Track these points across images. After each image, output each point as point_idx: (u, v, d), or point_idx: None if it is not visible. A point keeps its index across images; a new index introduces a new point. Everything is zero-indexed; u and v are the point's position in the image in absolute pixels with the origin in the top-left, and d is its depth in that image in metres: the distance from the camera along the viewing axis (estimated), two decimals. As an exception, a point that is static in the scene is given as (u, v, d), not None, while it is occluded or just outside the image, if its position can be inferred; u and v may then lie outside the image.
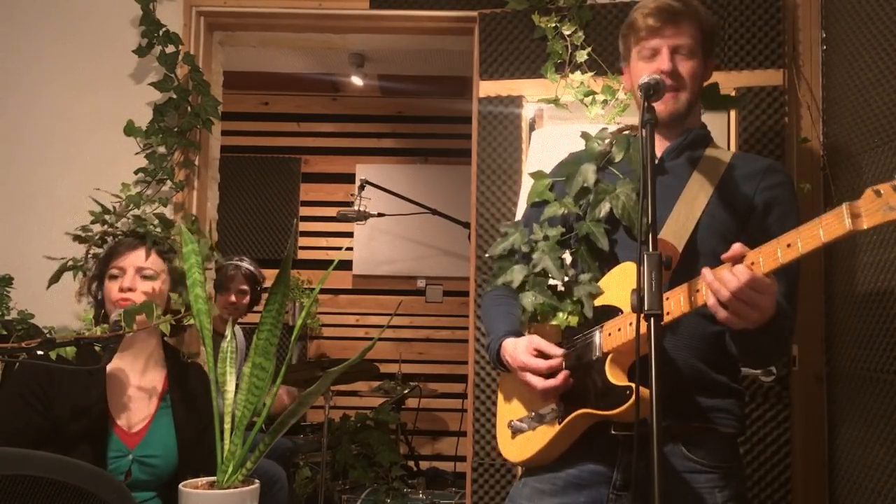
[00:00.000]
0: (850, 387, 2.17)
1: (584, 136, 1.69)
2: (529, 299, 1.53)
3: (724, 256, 1.26)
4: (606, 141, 1.64)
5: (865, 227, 1.11)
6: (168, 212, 2.56)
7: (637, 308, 1.21)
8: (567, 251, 1.58)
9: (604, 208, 1.54)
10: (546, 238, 1.57)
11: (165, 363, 1.96)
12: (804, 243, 1.17)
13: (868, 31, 2.09)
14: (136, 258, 1.91)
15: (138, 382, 1.89)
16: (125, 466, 1.78)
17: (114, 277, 1.89)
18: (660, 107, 1.51)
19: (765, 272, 1.22)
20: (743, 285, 1.22)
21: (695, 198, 1.51)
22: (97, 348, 1.60)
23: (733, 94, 2.34)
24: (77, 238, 2.26)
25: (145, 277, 1.90)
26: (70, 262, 2.28)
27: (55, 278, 2.24)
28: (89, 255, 2.26)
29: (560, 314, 1.50)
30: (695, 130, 1.60)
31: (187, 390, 1.95)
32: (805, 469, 2.29)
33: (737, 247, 1.25)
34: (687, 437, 1.46)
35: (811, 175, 2.38)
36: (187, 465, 1.86)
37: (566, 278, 1.53)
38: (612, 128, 1.70)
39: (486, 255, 1.63)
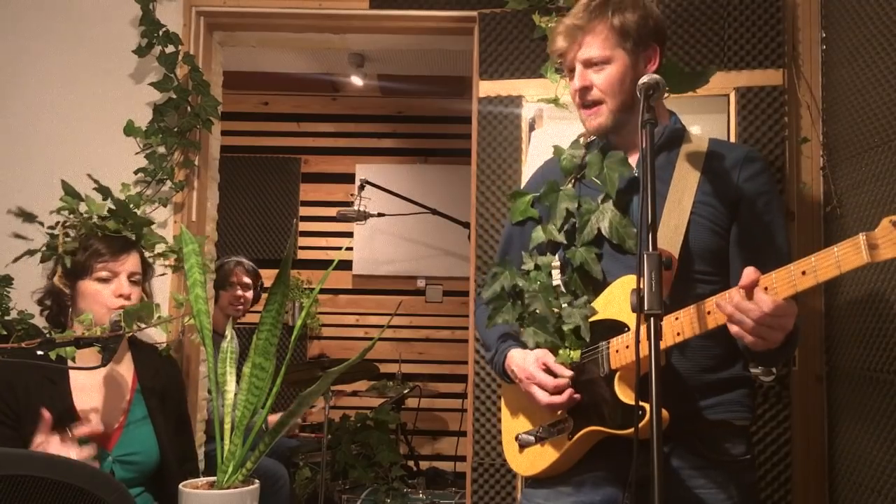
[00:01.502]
0: (849, 386, 2.17)
1: (556, 150, 1.68)
2: (531, 337, 1.53)
3: (740, 285, 1.27)
4: (580, 153, 1.64)
5: (883, 259, 1.11)
6: (168, 212, 2.57)
7: (637, 308, 1.22)
8: (557, 274, 1.58)
9: (592, 230, 1.53)
10: (538, 268, 1.57)
11: (132, 357, 1.95)
12: (821, 272, 1.18)
13: (868, 31, 2.09)
14: (131, 264, 1.90)
15: (108, 380, 1.86)
16: (106, 469, 1.76)
17: (104, 280, 1.86)
18: (585, 124, 1.57)
19: (781, 298, 1.23)
20: (767, 314, 1.23)
21: (680, 199, 1.50)
22: (97, 349, 1.60)
23: (732, 93, 2.34)
24: (53, 226, 2.10)
25: (133, 283, 1.90)
26: (45, 249, 2.11)
27: (16, 259, 2.14)
28: (64, 245, 2.13)
29: (562, 351, 1.49)
30: (667, 128, 1.58)
31: (158, 381, 1.94)
32: (805, 468, 2.29)
33: (750, 273, 1.26)
34: (701, 434, 1.47)
35: (811, 175, 2.38)
36: (169, 455, 1.85)
37: (562, 305, 1.53)
38: (582, 130, 1.68)
39: (482, 297, 1.62)
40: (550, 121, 2.48)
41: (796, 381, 2.30)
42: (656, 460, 1.12)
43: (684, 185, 1.51)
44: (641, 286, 1.21)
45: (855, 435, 2.13)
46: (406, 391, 4.45)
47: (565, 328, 1.50)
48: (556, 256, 1.60)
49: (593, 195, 1.57)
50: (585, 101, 1.55)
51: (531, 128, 2.50)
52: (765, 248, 1.49)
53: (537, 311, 1.52)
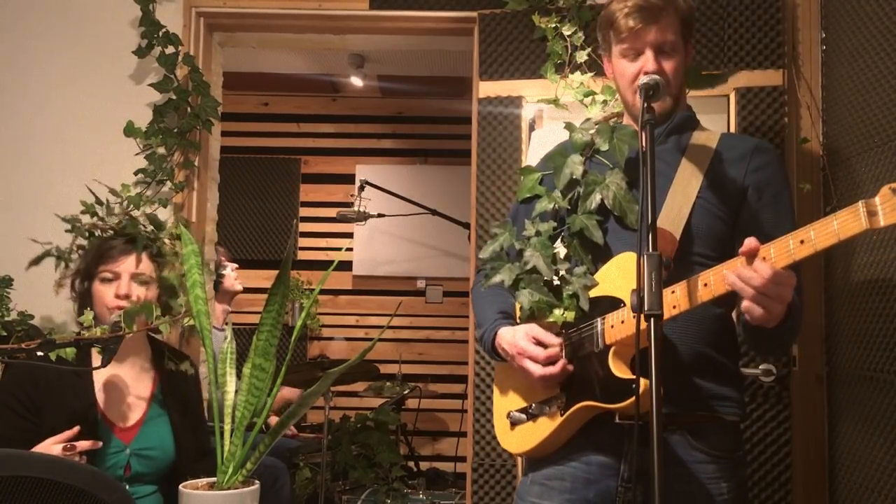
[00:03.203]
0: (849, 386, 2.17)
1: (569, 126, 1.68)
2: (526, 297, 1.52)
3: (740, 252, 1.26)
4: (591, 131, 1.63)
5: (882, 225, 1.10)
6: (167, 213, 2.56)
7: (637, 308, 1.21)
8: (560, 245, 1.58)
9: (595, 200, 1.53)
10: (538, 234, 1.56)
11: (154, 357, 1.98)
12: (819, 240, 1.17)
13: (867, 31, 2.09)
14: (131, 263, 1.91)
15: (129, 378, 1.90)
16: (123, 461, 1.80)
17: (107, 280, 1.89)
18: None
19: (779, 268, 1.22)
20: (767, 281, 1.22)
21: (687, 183, 1.50)
22: (97, 349, 1.60)
23: (732, 93, 2.34)
24: (71, 228, 2.17)
25: (140, 283, 1.91)
26: (54, 250, 2.19)
27: (35, 262, 2.17)
28: (74, 246, 2.18)
29: (556, 311, 1.49)
30: (679, 114, 1.58)
31: (177, 383, 1.96)
32: (805, 469, 2.29)
33: (750, 241, 1.25)
34: (692, 427, 1.46)
35: (811, 175, 2.38)
36: (184, 456, 1.88)
37: (560, 273, 1.52)
38: (597, 116, 1.69)
39: (480, 256, 1.63)
40: (550, 121, 2.48)
41: (796, 381, 2.30)
42: (657, 460, 1.12)
43: (692, 169, 1.51)
44: (641, 286, 1.21)
45: (855, 435, 2.13)
46: (406, 392, 4.45)
47: (565, 293, 1.49)
48: (562, 235, 1.59)
49: (602, 171, 1.56)
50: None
51: (531, 128, 2.50)
52: (771, 238, 1.48)
53: (535, 267, 1.51)
